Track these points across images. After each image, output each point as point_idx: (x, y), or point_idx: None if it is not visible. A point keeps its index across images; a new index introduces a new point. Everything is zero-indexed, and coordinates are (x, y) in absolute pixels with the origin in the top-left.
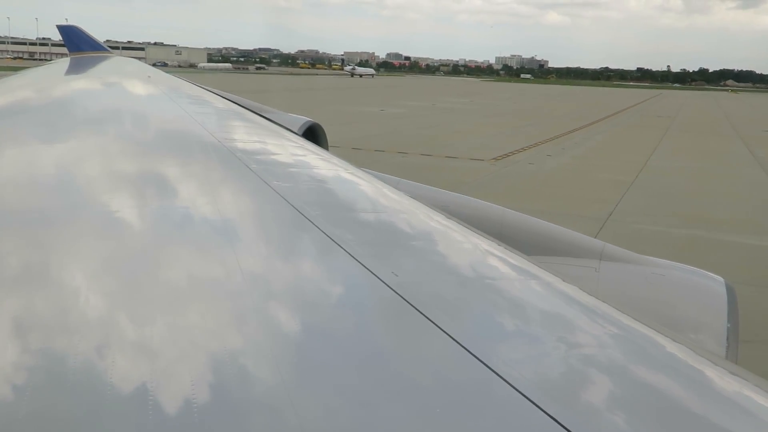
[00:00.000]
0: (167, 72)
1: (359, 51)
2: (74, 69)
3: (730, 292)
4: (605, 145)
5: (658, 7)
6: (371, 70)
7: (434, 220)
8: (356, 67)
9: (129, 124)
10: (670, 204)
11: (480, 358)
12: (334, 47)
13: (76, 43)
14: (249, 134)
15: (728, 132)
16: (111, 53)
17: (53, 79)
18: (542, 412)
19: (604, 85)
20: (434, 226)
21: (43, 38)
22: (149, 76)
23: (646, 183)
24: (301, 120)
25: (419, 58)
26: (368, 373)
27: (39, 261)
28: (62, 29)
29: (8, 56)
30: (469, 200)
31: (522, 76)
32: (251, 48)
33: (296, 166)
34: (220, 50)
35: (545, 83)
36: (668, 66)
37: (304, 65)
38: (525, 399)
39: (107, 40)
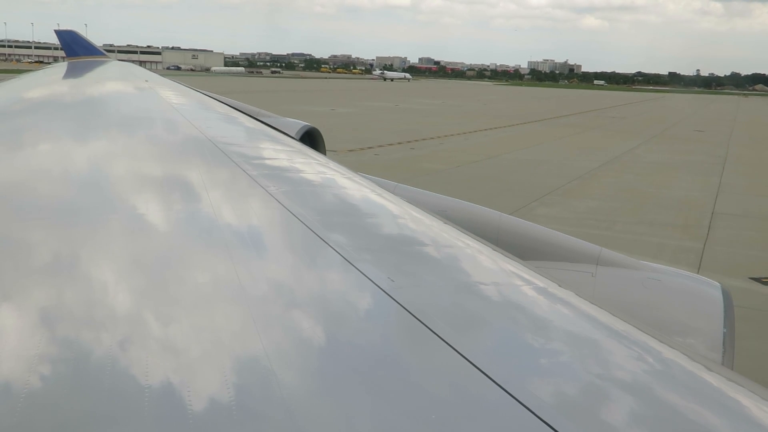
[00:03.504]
0: (179, 76)
1: (391, 56)
2: (71, 73)
3: (726, 297)
4: (494, 140)
5: (697, 11)
6: (406, 74)
7: (431, 225)
8: (385, 71)
9: (123, 128)
10: (438, 188)
11: (475, 363)
12: (367, 52)
13: (74, 48)
14: (246, 138)
15: (653, 131)
16: (108, 58)
17: (49, 83)
18: (536, 417)
19: (620, 89)
20: (431, 230)
21: None
22: (146, 80)
23: (459, 171)
24: (299, 124)
25: (451, 62)
26: (363, 377)
27: (27, 263)
28: (60, 34)
29: (27, 60)
30: (467, 205)
31: (595, 82)
32: (284, 53)
33: (293, 171)
34: (254, 55)
35: (566, 87)
36: (697, 70)
37: (324, 69)
38: (518, 403)
39: (129, 45)
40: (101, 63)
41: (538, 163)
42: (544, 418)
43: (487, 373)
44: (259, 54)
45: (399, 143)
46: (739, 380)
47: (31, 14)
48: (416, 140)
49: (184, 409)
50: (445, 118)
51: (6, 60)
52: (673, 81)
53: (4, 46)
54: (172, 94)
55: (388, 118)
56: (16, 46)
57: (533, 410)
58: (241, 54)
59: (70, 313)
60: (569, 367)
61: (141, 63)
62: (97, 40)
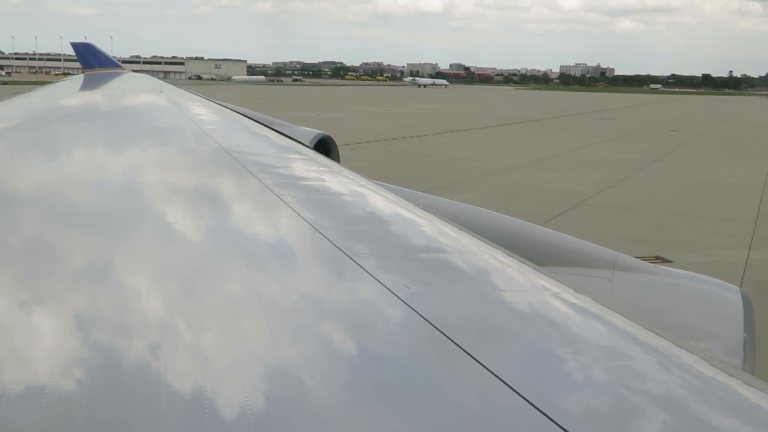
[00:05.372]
0: (196, 85)
1: (422, 62)
2: (86, 85)
3: (746, 301)
4: (447, 141)
5: (735, 11)
6: (434, 80)
7: (446, 232)
8: (417, 78)
9: (136, 139)
10: None
11: (492, 369)
12: (398, 59)
13: (90, 60)
14: (260, 147)
15: (622, 132)
16: (124, 69)
17: (64, 95)
18: (555, 425)
19: (640, 92)
20: (446, 237)
21: None
22: (161, 91)
23: (373, 169)
24: (313, 133)
25: (482, 68)
26: (378, 384)
27: (42, 268)
28: (76, 46)
29: (54, 72)
30: (481, 211)
31: (652, 86)
32: (316, 61)
33: (307, 179)
34: (285, 63)
35: (592, 91)
36: (730, 72)
37: (349, 77)
38: (537, 410)
39: (154, 56)
40: (117, 74)
41: (465, 161)
42: (564, 426)
43: (504, 380)
44: (291, 62)
45: (346, 144)
46: (761, 385)
47: (60, 28)
48: (367, 142)
49: (203, 414)
50: (424, 121)
51: (36, 73)
52: (705, 82)
53: (34, 59)
54: (186, 104)
55: (367, 122)
56: (48, 59)
57: (552, 417)
58: (274, 63)
59: (89, 319)
60: (588, 373)
61: (165, 73)
62: (126, 51)
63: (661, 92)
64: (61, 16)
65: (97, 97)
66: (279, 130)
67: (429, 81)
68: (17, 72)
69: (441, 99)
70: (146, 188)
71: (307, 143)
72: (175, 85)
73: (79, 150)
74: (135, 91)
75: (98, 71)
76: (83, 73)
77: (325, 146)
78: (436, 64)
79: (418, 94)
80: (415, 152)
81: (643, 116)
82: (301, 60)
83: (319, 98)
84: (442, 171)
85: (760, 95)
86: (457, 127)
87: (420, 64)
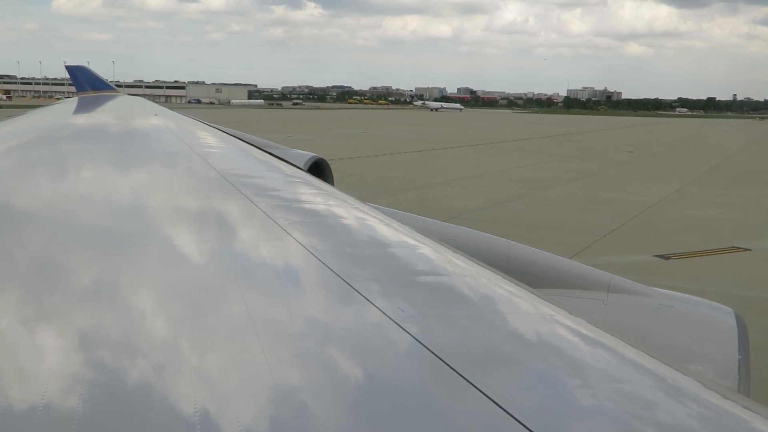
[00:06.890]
0: (198, 109)
1: (430, 86)
2: (80, 108)
3: (740, 323)
4: (391, 162)
5: (743, 35)
6: (441, 103)
7: (441, 254)
8: (426, 102)
9: (129, 162)
10: None
11: (486, 393)
12: (406, 83)
13: (84, 83)
14: (254, 170)
15: (574, 153)
16: (118, 92)
17: (56, 118)
18: None
19: (637, 115)
20: (441, 260)
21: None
22: (155, 114)
23: None
24: (307, 155)
25: (490, 92)
26: (373, 408)
27: (39, 296)
28: (70, 69)
29: (56, 96)
30: (476, 233)
31: (678, 110)
32: (325, 86)
33: (301, 202)
34: (294, 88)
35: (595, 114)
36: (734, 95)
37: (351, 101)
38: None
39: (156, 80)
40: (111, 97)
41: (388, 179)
42: None
43: (499, 403)
44: (299, 87)
45: None
46: (757, 408)
47: (64, 53)
48: None
49: None
50: (388, 143)
51: (39, 97)
52: (708, 106)
53: (39, 84)
54: (180, 127)
55: (332, 144)
56: (53, 84)
57: None
58: (283, 88)
59: (76, 341)
60: (582, 396)
61: (167, 97)
62: (135, 76)
63: (664, 116)
64: (75, 42)
65: (88, 119)
66: (273, 152)
67: (438, 105)
68: (21, 96)
69: (425, 122)
70: (135, 212)
71: (301, 166)
72: (171, 108)
73: (65, 173)
74: (127, 114)
75: (92, 94)
76: (77, 95)
77: (319, 169)
78: (444, 89)
79: (410, 117)
80: (350, 171)
81: (612, 138)
82: (309, 84)
83: (304, 121)
84: (357, 187)
85: (754, 118)
86: (415, 148)
87: (428, 88)
